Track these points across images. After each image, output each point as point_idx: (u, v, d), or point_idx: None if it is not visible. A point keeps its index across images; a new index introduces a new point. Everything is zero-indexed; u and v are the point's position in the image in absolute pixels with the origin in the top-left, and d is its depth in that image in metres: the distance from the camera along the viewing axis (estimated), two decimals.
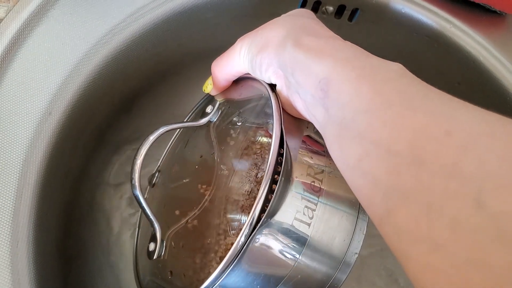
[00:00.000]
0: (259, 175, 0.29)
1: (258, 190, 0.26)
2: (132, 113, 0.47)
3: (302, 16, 0.29)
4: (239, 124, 0.42)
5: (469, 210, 0.16)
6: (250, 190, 0.31)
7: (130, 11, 0.40)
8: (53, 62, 0.37)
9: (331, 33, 0.27)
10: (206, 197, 0.41)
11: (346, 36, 0.25)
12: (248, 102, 0.35)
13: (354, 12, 0.47)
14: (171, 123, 0.35)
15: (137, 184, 0.33)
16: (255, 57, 0.28)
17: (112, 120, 0.44)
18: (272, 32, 0.27)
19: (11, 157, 0.34)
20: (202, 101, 0.40)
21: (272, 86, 0.30)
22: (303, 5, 0.47)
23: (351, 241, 0.28)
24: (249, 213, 0.25)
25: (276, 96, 0.29)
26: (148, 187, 0.46)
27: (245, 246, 0.25)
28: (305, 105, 0.26)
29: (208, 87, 0.35)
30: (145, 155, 0.33)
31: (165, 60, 0.46)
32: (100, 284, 0.43)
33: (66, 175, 0.39)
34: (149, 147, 0.33)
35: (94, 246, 0.45)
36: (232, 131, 0.43)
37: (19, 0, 0.38)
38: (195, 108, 0.41)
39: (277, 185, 0.26)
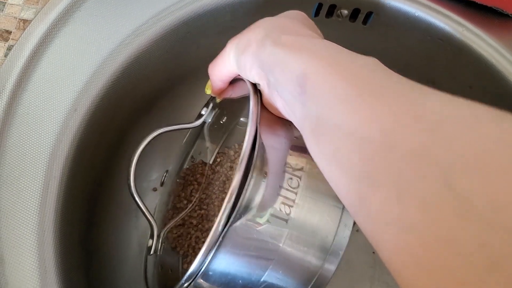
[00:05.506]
0: None
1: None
2: (152, 113, 0.48)
3: (286, 17, 0.30)
4: (228, 123, 0.44)
5: (438, 191, 0.16)
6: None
7: (152, 13, 0.42)
8: (79, 62, 0.39)
9: (311, 32, 0.28)
10: (197, 194, 0.43)
11: (360, 39, 0.26)
12: (240, 102, 0.36)
13: (368, 15, 0.48)
14: (166, 126, 0.37)
15: (132, 184, 0.34)
16: (240, 58, 0.28)
17: (133, 119, 0.45)
18: (254, 33, 0.28)
19: (39, 151, 0.36)
20: (208, 102, 0.41)
21: (256, 86, 0.30)
22: (318, 9, 0.48)
23: (336, 233, 0.29)
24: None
25: (258, 94, 0.29)
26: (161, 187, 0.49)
27: (220, 239, 0.26)
28: (284, 103, 0.26)
29: (209, 89, 0.36)
30: (140, 156, 0.35)
31: (185, 62, 0.48)
32: (120, 278, 0.44)
33: (90, 170, 0.40)
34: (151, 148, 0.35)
35: (115, 241, 0.46)
36: (222, 131, 0.45)
37: (47, 2, 0.40)
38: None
39: (248, 179, 0.26)
